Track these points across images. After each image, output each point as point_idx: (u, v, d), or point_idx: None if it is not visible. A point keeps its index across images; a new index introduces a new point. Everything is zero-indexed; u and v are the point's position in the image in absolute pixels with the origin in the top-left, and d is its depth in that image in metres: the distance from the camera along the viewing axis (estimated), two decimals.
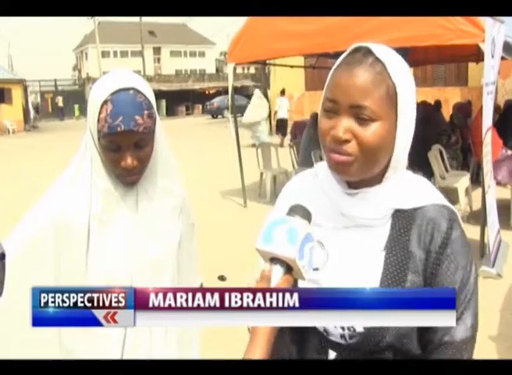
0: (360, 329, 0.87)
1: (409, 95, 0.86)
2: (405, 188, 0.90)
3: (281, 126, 13.64)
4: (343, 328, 0.89)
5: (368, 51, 0.86)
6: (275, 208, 1.04)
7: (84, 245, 1.11)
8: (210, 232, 4.69)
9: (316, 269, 0.90)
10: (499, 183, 5.27)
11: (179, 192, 1.26)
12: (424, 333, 0.86)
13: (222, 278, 4.09)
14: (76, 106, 31.01)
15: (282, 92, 14.15)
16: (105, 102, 1.06)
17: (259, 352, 0.77)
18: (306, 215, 0.85)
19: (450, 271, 0.86)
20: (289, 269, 0.82)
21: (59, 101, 30.92)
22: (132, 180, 1.14)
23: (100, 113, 1.06)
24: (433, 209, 0.89)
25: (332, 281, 0.89)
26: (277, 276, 0.81)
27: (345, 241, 0.90)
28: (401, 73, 0.86)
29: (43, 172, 9.41)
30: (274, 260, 0.82)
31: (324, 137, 0.88)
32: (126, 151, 1.08)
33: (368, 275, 0.88)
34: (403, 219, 0.89)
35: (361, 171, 0.87)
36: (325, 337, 0.92)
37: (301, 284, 0.86)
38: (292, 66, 8.68)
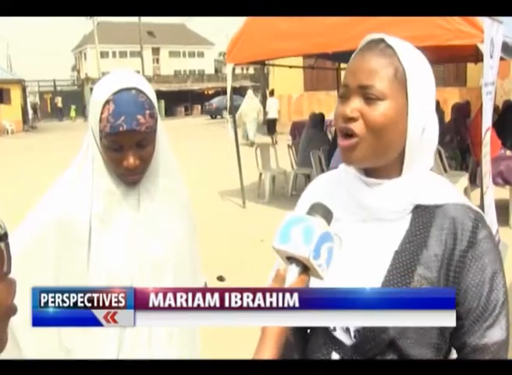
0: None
1: (421, 81, 0.87)
2: (426, 184, 0.90)
3: (271, 126, 14.23)
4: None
5: (381, 40, 0.89)
6: (297, 206, 1.04)
7: (85, 245, 1.11)
8: (209, 232, 4.68)
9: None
10: (497, 184, 5.27)
11: (180, 192, 1.27)
12: (457, 335, 0.85)
13: (220, 278, 4.09)
14: (73, 107, 30.82)
15: (271, 93, 14.69)
16: (107, 102, 1.06)
17: (268, 353, 0.76)
18: (326, 213, 0.84)
19: (478, 271, 0.84)
20: (305, 269, 0.81)
21: (59, 101, 30.83)
22: (134, 179, 1.14)
23: (102, 113, 1.07)
24: (455, 208, 0.88)
25: (343, 268, 0.89)
26: (292, 276, 0.81)
27: (362, 234, 0.91)
28: (413, 59, 0.87)
29: (42, 172, 9.40)
30: (290, 259, 0.82)
31: (337, 120, 0.89)
32: (128, 150, 1.08)
33: (378, 264, 0.88)
34: (423, 216, 0.88)
35: (372, 154, 0.86)
36: (329, 335, 0.92)
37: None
38: (291, 67, 8.68)
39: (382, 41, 0.88)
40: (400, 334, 0.85)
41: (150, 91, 1.11)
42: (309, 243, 0.79)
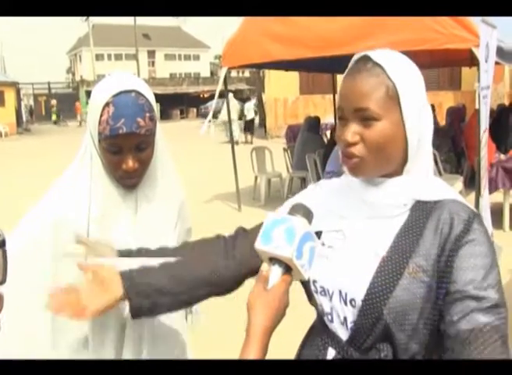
0: (359, 302, 0.90)
1: (413, 92, 0.90)
2: (425, 182, 0.95)
3: (249, 126, 16.29)
4: (345, 302, 0.92)
5: (368, 59, 0.92)
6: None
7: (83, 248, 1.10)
8: (203, 235, 4.66)
9: (330, 247, 0.95)
10: (497, 189, 5.29)
11: (178, 195, 1.26)
12: (451, 320, 0.84)
13: None
14: (53, 110, 30.28)
15: (248, 98, 17.66)
16: (107, 104, 1.06)
17: (254, 352, 0.76)
18: (307, 213, 0.85)
19: (471, 256, 0.85)
20: (288, 269, 0.82)
21: (54, 104, 30.40)
22: (132, 182, 1.13)
23: (101, 115, 1.06)
24: (453, 203, 0.92)
25: (341, 260, 0.94)
26: (275, 277, 0.81)
27: (363, 228, 0.95)
28: (401, 72, 0.90)
29: (36, 175, 9.36)
30: (272, 260, 0.82)
31: (339, 143, 0.94)
32: (128, 153, 1.08)
33: (375, 252, 0.91)
34: (420, 211, 0.92)
35: (375, 168, 0.92)
36: (326, 329, 0.96)
37: (317, 258, 0.87)
38: (287, 70, 8.70)
39: (369, 59, 0.91)
40: (394, 321, 0.87)
41: (149, 93, 1.11)
42: (291, 243, 0.80)
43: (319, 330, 0.99)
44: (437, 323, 0.86)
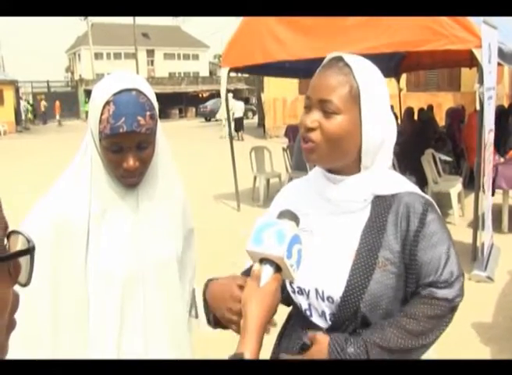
0: (337, 298, 0.97)
1: (373, 96, 0.98)
2: (382, 177, 1.03)
3: (238, 124, 17.24)
4: (322, 298, 0.99)
5: (340, 58, 1.01)
6: (270, 210, 1.16)
7: (83, 247, 1.10)
8: (203, 236, 4.66)
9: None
10: (499, 189, 5.29)
11: (179, 195, 1.26)
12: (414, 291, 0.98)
13: None
14: (29, 109, 29.30)
15: (239, 98, 19.10)
16: (108, 103, 1.05)
17: (251, 344, 0.79)
18: (294, 218, 0.90)
19: (429, 247, 0.97)
20: (278, 269, 0.86)
21: (43, 104, 29.49)
22: (133, 182, 1.13)
23: (102, 114, 1.05)
24: (408, 195, 1.01)
25: (314, 260, 1.00)
26: (267, 276, 0.86)
27: (329, 225, 1.02)
28: (366, 77, 0.99)
29: (36, 173, 9.35)
30: (263, 261, 0.87)
31: (300, 128, 1.03)
32: (128, 152, 1.07)
33: (345, 250, 0.98)
34: (381, 205, 1.01)
35: (328, 157, 1.00)
36: (307, 320, 1.03)
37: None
38: (285, 76, 8.69)
39: (341, 59, 1.00)
40: (370, 311, 0.95)
41: (150, 92, 1.11)
42: (282, 244, 0.85)
43: (297, 321, 1.06)
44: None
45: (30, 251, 0.53)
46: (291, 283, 1.02)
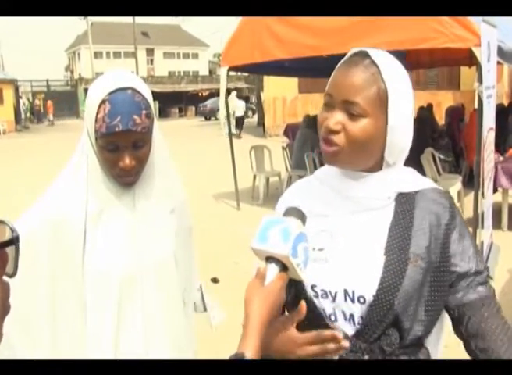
0: (370, 297, 0.92)
1: (401, 99, 0.93)
2: (404, 174, 1.01)
3: (238, 123, 17.98)
4: (352, 299, 0.94)
5: (366, 55, 0.94)
6: (276, 211, 1.09)
7: (80, 246, 1.10)
8: (203, 234, 4.67)
9: (321, 250, 0.97)
10: (495, 189, 5.30)
11: (177, 193, 1.26)
12: (454, 297, 0.96)
13: (214, 280, 4.07)
14: (29, 107, 28.97)
15: (240, 96, 19.21)
16: (103, 102, 1.05)
17: (252, 344, 0.78)
18: (300, 216, 0.88)
19: (460, 239, 0.97)
20: (284, 268, 0.85)
21: (39, 104, 29.23)
22: (129, 181, 1.13)
23: (97, 113, 1.05)
24: (433, 192, 1.00)
25: (341, 260, 0.96)
26: (272, 274, 0.84)
27: (351, 224, 0.97)
28: (395, 77, 0.93)
29: (35, 172, 9.34)
30: (269, 259, 0.85)
31: (320, 127, 0.96)
32: (124, 151, 1.08)
33: (374, 248, 0.94)
34: (406, 202, 0.98)
35: (350, 161, 0.95)
36: (327, 326, 0.94)
37: (312, 264, 0.89)
38: (285, 75, 8.68)
39: (367, 56, 0.93)
40: (403, 310, 0.91)
41: (146, 91, 1.10)
42: (287, 242, 0.83)
43: (311, 328, 0.95)
44: (438, 303, 0.94)
45: (13, 241, 0.53)
46: (313, 287, 0.96)
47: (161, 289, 1.16)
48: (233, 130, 16.69)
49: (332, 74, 0.97)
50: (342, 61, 0.96)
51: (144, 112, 1.07)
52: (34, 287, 1.08)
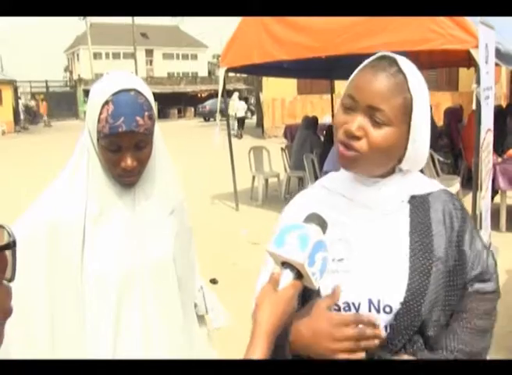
0: (396, 306, 0.90)
1: (424, 109, 0.93)
2: (415, 177, 1.01)
3: (240, 123, 18.76)
4: (378, 309, 0.91)
5: (394, 61, 0.92)
6: (282, 221, 1.03)
7: (79, 246, 1.10)
8: (201, 235, 4.67)
9: (341, 260, 0.93)
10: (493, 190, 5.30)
11: (176, 194, 1.26)
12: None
13: (213, 281, 4.07)
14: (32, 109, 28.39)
15: (241, 98, 20.17)
16: (106, 103, 1.05)
17: (259, 350, 0.77)
18: (321, 223, 0.85)
19: (472, 241, 0.98)
20: (299, 275, 0.82)
21: (33, 105, 28.66)
22: (130, 181, 1.13)
23: (100, 113, 1.06)
24: (445, 193, 1.00)
25: (363, 269, 0.92)
26: (285, 281, 0.81)
27: (369, 231, 0.95)
28: (419, 87, 0.92)
29: (35, 172, 9.32)
30: (284, 264, 0.82)
31: (337, 130, 0.93)
32: (126, 152, 1.08)
33: (396, 254, 0.93)
34: (420, 205, 0.97)
35: (367, 168, 0.93)
36: None
37: (332, 275, 0.89)
38: (284, 77, 8.68)
39: (395, 62, 0.91)
40: (428, 315, 0.90)
41: (148, 92, 1.11)
42: (304, 250, 0.80)
43: None
44: (454, 306, 0.94)
45: (10, 245, 0.52)
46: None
47: (160, 289, 1.16)
48: (235, 131, 17.45)
49: (355, 76, 0.94)
50: (366, 63, 0.94)
51: (146, 113, 1.08)
52: (32, 289, 1.08)
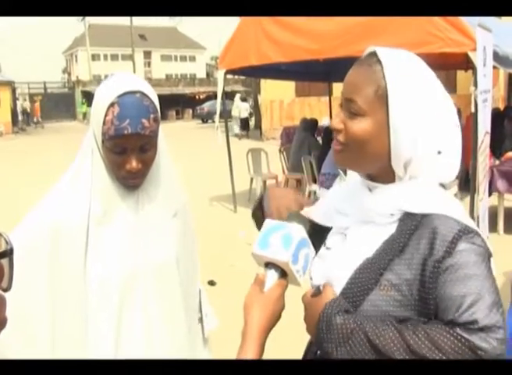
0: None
1: (406, 98, 0.87)
2: (416, 192, 0.89)
3: (244, 124, 19.14)
4: None
5: (374, 54, 0.91)
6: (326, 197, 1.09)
7: (83, 249, 1.10)
8: (200, 237, 4.66)
9: (328, 249, 0.95)
10: (491, 193, 5.31)
11: (179, 197, 1.26)
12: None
13: (211, 283, 4.06)
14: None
15: (243, 99, 20.37)
16: (112, 104, 1.05)
17: (251, 352, 0.78)
18: (302, 222, 0.87)
19: (453, 282, 0.81)
20: (283, 274, 0.83)
21: (27, 106, 28.36)
22: (135, 183, 1.13)
23: (106, 115, 1.05)
24: (440, 219, 0.86)
25: (332, 264, 0.93)
26: (271, 281, 0.83)
27: (357, 232, 0.94)
28: (399, 76, 0.88)
29: (34, 173, 9.32)
30: (269, 265, 0.84)
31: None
32: (131, 154, 1.08)
33: (355, 261, 0.90)
34: (407, 224, 0.88)
35: (352, 161, 0.93)
36: None
37: (315, 258, 0.91)
38: (282, 79, 8.69)
39: (375, 54, 0.90)
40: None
41: (153, 95, 1.11)
42: (288, 248, 0.82)
43: None
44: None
45: (7, 253, 0.51)
46: (310, 279, 0.95)
47: (163, 291, 1.16)
48: (237, 131, 17.94)
49: None
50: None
51: (152, 115, 1.07)
52: (34, 292, 1.08)
